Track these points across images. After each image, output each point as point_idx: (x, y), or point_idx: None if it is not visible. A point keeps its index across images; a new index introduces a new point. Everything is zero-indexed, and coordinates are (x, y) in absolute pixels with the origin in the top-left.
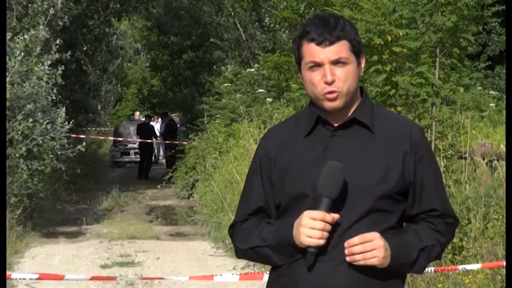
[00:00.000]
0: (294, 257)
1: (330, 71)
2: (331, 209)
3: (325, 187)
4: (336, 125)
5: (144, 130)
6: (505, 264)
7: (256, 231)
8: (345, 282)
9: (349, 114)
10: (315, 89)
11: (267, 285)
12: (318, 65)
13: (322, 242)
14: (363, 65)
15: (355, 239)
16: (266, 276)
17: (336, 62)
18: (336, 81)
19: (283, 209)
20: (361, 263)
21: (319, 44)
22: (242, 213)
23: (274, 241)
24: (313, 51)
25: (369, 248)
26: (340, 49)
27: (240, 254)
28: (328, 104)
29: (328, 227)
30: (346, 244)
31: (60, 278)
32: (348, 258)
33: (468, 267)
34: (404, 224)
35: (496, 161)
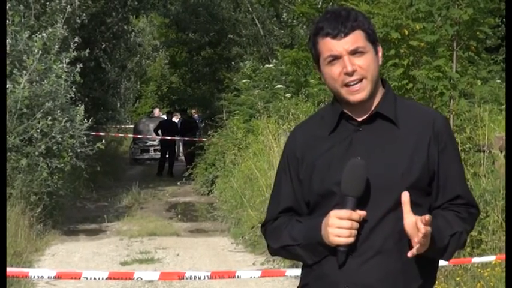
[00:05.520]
0: (323, 255)
1: (349, 61)
2: (357, 207)
3: (348, 186)
4: (359, 119)
5: (169, 127)
6: (505, 258)
7: (286, 230)
8: (374, 277)
9: (373, 107)
10: (336, 83)
11: (300, 279)
12: (336, 58)
13: (351, 240)
14: (380, 54)
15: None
16: (288, 272)
17: (354, 52)
18: (357, 71)
19: (312, 206)
20: (416, 249)
21: (334, 37)
22: (272, 212)
23: (304, 240)
24: (329, 45)
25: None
26: (356, 39)
27: (272, 252)
28: (352, 97)
29: (356, 225)
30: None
31: (78, 276)
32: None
33: (482, 259)
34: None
35: None
